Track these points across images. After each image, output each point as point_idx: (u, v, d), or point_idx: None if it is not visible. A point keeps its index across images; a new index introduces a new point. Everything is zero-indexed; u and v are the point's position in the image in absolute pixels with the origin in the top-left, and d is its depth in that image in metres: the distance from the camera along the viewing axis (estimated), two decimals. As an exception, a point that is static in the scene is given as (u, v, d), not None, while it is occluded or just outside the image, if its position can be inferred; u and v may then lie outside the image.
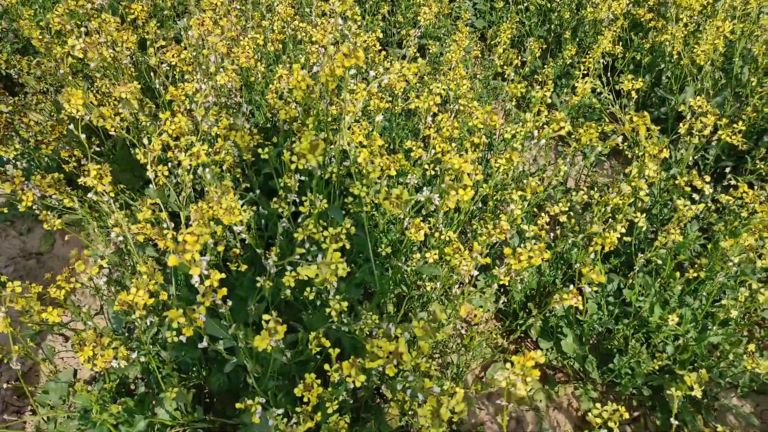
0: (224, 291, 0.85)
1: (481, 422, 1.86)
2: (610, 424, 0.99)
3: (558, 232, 1.92)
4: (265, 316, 0.86)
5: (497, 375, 0.98)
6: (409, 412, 1.32)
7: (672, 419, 1.21)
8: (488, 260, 1.16)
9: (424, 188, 1.19)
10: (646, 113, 1.45)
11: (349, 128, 1.54)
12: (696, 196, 1.89)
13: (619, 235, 1.56)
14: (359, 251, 1.72)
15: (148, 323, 1.21)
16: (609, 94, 2.46)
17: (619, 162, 2.85)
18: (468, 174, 1.21)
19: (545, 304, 1.94)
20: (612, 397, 1.92)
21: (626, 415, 0.99)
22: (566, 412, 1.90)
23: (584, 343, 1.89)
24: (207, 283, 0.83)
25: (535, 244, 1.23)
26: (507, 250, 1.06)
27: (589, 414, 1.01)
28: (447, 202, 1.16)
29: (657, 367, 1.61)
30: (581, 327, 1.85)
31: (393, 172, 1.32)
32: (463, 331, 1.63)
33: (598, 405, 1.01)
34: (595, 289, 1.62)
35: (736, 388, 1.83)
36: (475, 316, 1.17)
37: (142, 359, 1.21)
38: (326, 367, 0.95)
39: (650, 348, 1.72)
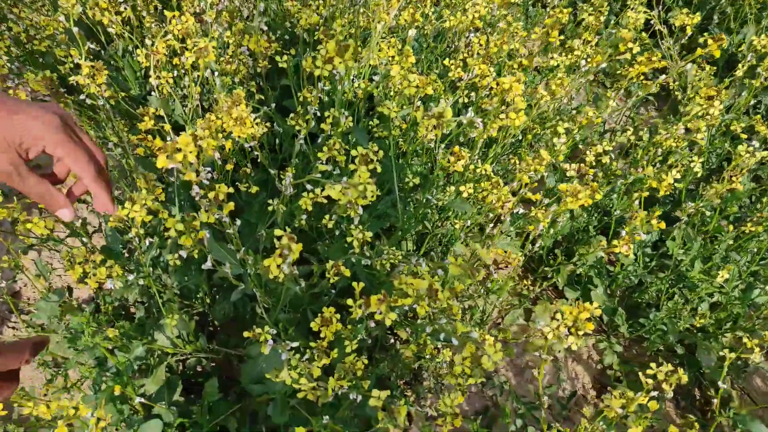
0: (231, 206, 0.71)
1: (495, 369, 1.77)
2: (665, 386, 0.87)
3: (599, 174, 1.75)
4: (278, 232, 0.72)
5: (541, 324, 0.86)
6: (427, 356, 1.22)
7: (720, 383, 1.09)
8: (538, 196, 1.00)
9: (469, 110, 1.02)
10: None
11: (377, 44, 1.35)
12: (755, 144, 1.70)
13: (671, 180, 1.40)
14: (382, 182, 1.57)
15: (148, 243, 1.09)
16: (662, 27, 2.21)
17: (661, 108, 2.63)
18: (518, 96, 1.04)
19: (575, 251, 1.81)
20: (635, 352, 1.83)
21: (684, 379, 0.87)
22: (586, 364, 1.81)
23: (613, 295, 1.77)
24: (211, 195, 0.69)
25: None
26: (562, 186, 0.91)
27: (640, 374, 0.89)
28: (493, 126, 0.99)
29: (698, 325, 1.49)
30: (612, 278, 1.73)
31: (430, 91, 1.15)
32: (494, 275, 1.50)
33: (653, 365, 0.89)
34: (639, 239, 1.48)
35: (770, 352, 1.72)
36: (513, 260, 1.03)
37: (141, 282, 1.10)
38: (349, 302, 0.82)
39: (687, 304, 1.60)
